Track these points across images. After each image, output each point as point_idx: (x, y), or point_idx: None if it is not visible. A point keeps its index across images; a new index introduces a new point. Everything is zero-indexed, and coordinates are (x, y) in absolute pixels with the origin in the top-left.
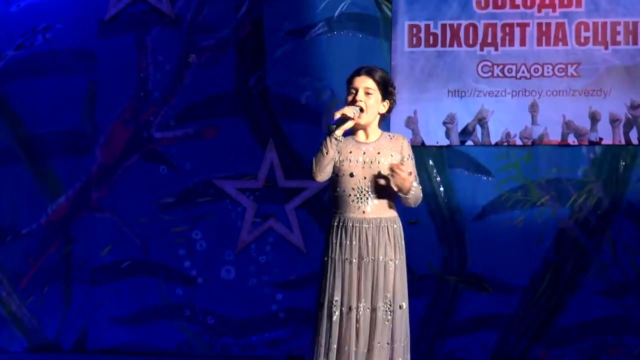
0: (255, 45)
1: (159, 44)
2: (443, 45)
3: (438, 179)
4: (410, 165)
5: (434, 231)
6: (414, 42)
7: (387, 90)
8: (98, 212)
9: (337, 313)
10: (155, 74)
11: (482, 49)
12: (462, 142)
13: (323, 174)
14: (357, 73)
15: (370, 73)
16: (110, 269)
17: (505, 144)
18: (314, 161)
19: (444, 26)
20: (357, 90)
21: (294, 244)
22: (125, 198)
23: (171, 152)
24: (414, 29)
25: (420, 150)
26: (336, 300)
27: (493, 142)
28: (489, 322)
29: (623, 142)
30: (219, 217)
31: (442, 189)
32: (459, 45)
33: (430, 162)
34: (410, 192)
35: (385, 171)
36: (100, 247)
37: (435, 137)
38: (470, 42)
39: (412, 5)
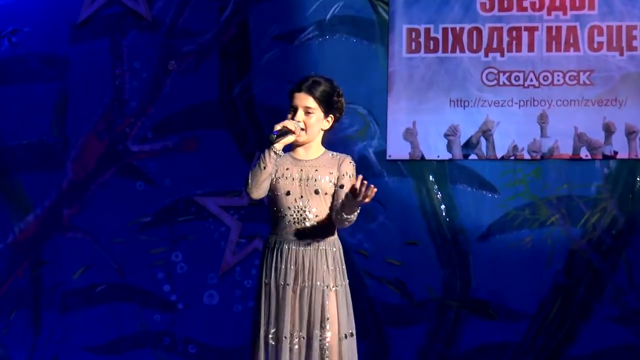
0: (240, 50)
1: (135, 49)
2: (444, 50)
3: (439, 195)
4: (347, 181)
5: (435, 252)
6: (413, 47)
7: (330, 104)
8: (69, 231)
9: (273, 343)
10: (132, 81)
11: (486, 55)
12: (465, 156)
13: (259, 190)
14: (298, 88)
15: (310, 90)
16: (83, 293)
17: (512, 158)
18: (250, 176)
19: (445, 30)
20: (296, 109)
21: None
22: (99, 217)
23: (149, 167)
24: (413, 33)
25: (420, 164)
26: (273, 331)
27: (499, 156)
28: (494, 352)
29: None
30: (201, 238)
31: (443, 206)
32: (462, 50)
33: (431, 178)
34: (356, 212)
35: (324, 190)
36: (72, 270)
37: (436, 150)
38: (474, 47)
39: (411, 8)
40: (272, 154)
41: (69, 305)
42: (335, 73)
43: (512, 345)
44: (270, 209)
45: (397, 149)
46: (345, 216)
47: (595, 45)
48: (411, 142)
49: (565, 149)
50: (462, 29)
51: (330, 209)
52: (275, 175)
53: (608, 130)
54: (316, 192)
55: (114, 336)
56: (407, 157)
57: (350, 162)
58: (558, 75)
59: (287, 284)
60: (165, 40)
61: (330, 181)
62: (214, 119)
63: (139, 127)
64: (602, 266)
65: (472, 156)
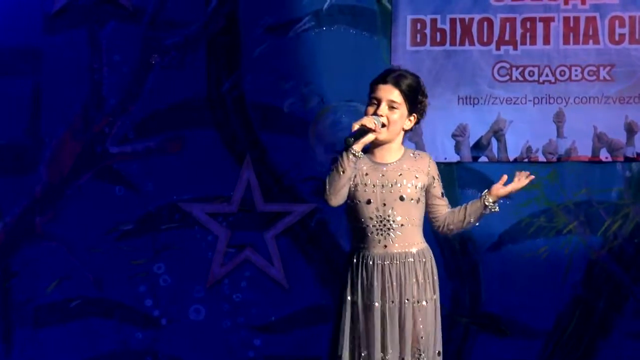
0: (230, 43)
1: (115, 42)
2: (452, 43)
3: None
4: (440, 187)
5: (442, 264)
6: (418, 39)
7: (415, 102)
8: (43, 241)
9: None
10: (111, 76)
11: (498, 48)
12: (475, 158)
13: (338, 197)
14: (383, 80)
15: (397, 82)
16: (58, 308)
17: (526, 160)
18: (327, 181)
19: (453, 21)
20: (379, 102)
21: (275, 279)
22: (74, 225)
23: (129, 170)
24: (418, 24)
25: None
26: (364, 354)
27: (511, 158)
28: None
29: None
30: (186, 247)
31: None
32: (472, 43)
33: None
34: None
35: (409, 196)
36: (46, 283)
37: (443, 152)
38: (485, 39)
39: None
40: (351, 156)
41: (42, 321)
42: (334, 68)
43: None
44: (350, 220)
45: None
46: (468, 226)
47: (617, 38)
48: (416, 143)
49: (584, 151)
50: (471, 20)
51: (424, 218)
52: (353, 181)
53: (630, 130)
54: (401, 198)
55: (90, 355)
56: None
57: (435, 163)
58: (576, 70)
59: (375, 302)
60: (148, 32)
61: (416, 186)
62: (200, 118)
63: (118, 127)
64: (624, 278)
65: (482, 158)
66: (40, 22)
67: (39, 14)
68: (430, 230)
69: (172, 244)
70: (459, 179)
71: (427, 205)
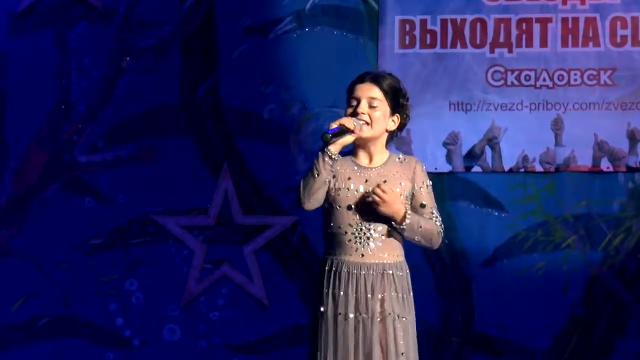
0: (206, 45)
1: (84, 44)
2: (443, 45)
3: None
4: (426, 196)
5: (432, 280)
6: (407, 41)
7: (397, 101)
8: (7, 256)
9: None
10: (80, 81)
11: (492, 51)
12: (468, 168)
13: (312, 201)
14: (360, 79)
15: (376, 80)
16: (24, 328)
17: (522, 170)
18: (301, 184)
19: (444, 22)
20: (359, 101)
21: (254, 296)
22: (41, 238)
23: (99, 181)
24: (407, 26)
25: None
26: None
27: (506, 168)
28: None
29: None
30: (160, 263)
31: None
32: (464, 46)
33: None
34: (405, 221)
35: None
36: (10, 301)
37: (434, 161)
38: (478, 42)
39: None
40: (327, 158)
41: (7, 341)
42: (316, 71)
43: None
44: (326, 225)
45: None
46: (397, 227)
47: (619, 40)
48: (404, 152)
49: (584, 160)
50: (463, 21)
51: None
52: (334, 185)
53: (633, 137)
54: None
55: None
56: None
57: (423, 169)
58: (575, 74)
59: (347, 314)
60: (119, 33)
61: (401, 194)
62: (175, 125)
63: (88, 134)
64: (626, 296)
65: (476, 168)
66: (5, 22)
67: (4, 13)
68: (421, 249)
69: (145, 259)
70: (451, 190)
71: None
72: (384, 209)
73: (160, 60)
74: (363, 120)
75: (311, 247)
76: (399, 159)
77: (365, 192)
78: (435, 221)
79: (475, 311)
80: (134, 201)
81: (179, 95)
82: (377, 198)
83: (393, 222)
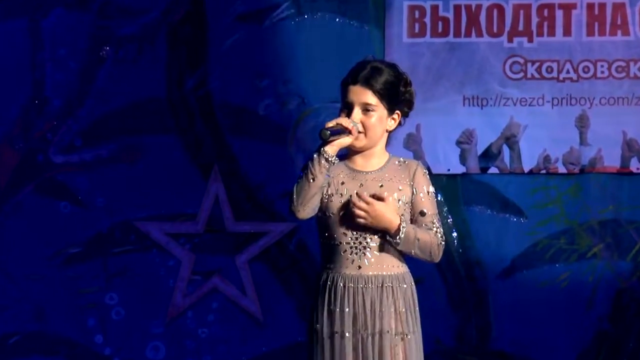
0: (194, 34)
1: (60, 33)
2: (457, 34)
3: (450, 220)
4: (426, 203)
5: (445, 293)
6: (417, 30)
7: (395, 98)
8: None
9: None
10: (55, 73)
11: (510, 40)
12: (484, 170)
13: (307, 209)
14: (353, 79)
15: (368, 82)
16: None
17: (544, 171)
18: (294, 190)
19: (458, 8)
20: (351, 107)
21: (248, 311)
22: (12, 247)
23: (77, 183)
24: (417, 12)
25: None
26: None
27: (526, 170)
28: None
29: None
30: (143, 274)
31: (455, 234)
32: (479, 34)
33: (439, 197)
34: (399, 235)
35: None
36: None
37: (446, 162)
38: (495, 30)
39: None
40: (323, 161)
41: None
42: (316, 63)
43: None
44: (320, 235)
45: None
46: (392, 241)
47: None
48: (414, 151)
49: (611, 160)
50: (479, 7)
51: None
52: (327, 191)
53: None
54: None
55: None
56: None
57: (425, 173)
58: (602, 66)
59: (344, 333)
60: (98, 21)
61: (399, 200)
62: (160, 122)
63: (64, 132)
64: None
65: (492, 169)
66: None
67: None
68: None
69: (126, 270)
70: (465, 194)
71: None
72: (372, 223)
73: (144, 50)
74: (358, 127)
75: (310, 257)
76: (398, 161)
77: (351, 198)
78: (436, 232)
79: (492, 327)
80: (115, 206)
81: (164, 88)
82: (359, 212)
83: (387, 235)
